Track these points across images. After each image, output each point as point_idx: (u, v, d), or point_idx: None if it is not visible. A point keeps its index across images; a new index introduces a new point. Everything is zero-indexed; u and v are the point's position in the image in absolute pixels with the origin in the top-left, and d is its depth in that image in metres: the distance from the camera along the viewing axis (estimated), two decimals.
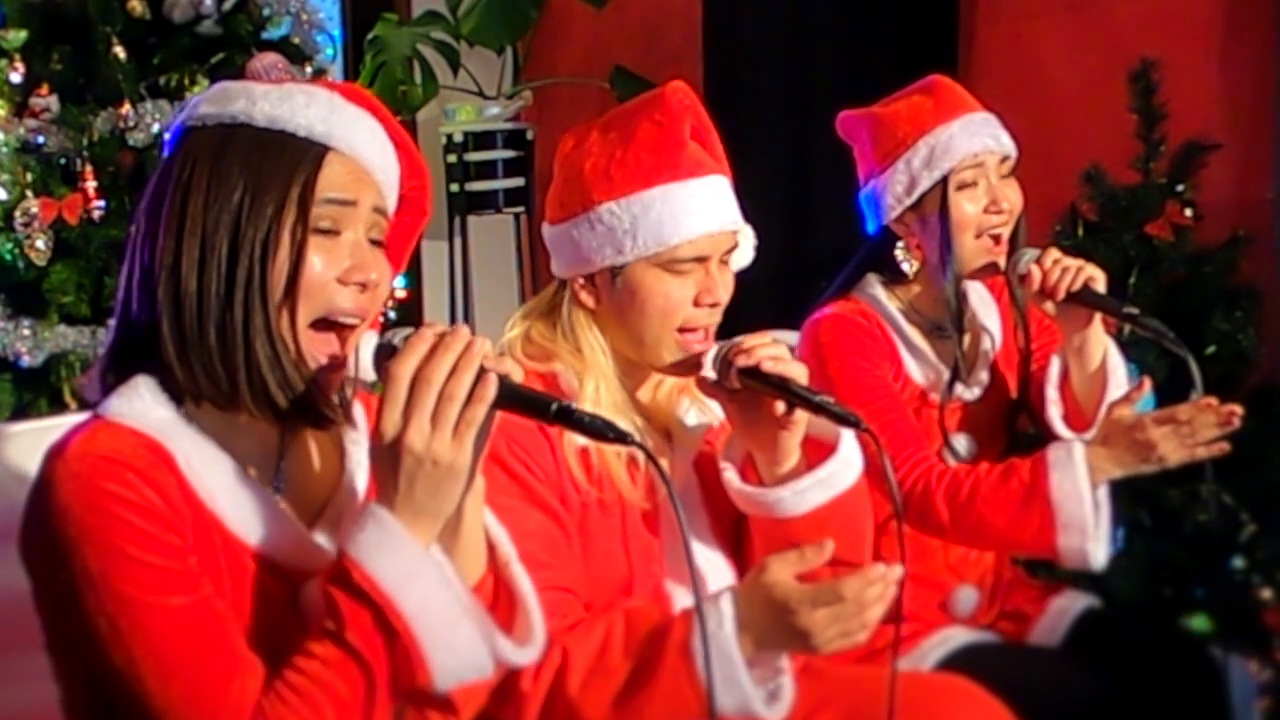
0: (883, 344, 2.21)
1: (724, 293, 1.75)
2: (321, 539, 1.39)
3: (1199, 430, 2.04)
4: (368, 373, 1.41)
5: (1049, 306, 2.15)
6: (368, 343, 1.38)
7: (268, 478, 1.39)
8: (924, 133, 2.18)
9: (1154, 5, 3.42)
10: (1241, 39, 3.34)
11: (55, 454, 1.28)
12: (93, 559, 1.23)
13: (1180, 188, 2.96)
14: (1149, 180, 2.98)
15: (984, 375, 2.27)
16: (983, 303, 2.33)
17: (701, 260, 1.73)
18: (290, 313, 1.31)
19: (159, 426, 1.31)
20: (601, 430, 1.30)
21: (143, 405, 1.32)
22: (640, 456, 1.69)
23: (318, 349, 1.34)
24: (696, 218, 1.72)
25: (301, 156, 1.33)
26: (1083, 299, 2.13)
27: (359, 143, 1.36)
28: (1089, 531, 2.05)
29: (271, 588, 1.34)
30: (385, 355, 1.35)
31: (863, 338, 2.19)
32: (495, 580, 1.40)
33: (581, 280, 1.76)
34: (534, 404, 1.33)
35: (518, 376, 1.32)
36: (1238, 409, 2.06)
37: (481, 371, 1.25)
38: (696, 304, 1.73)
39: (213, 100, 1.36)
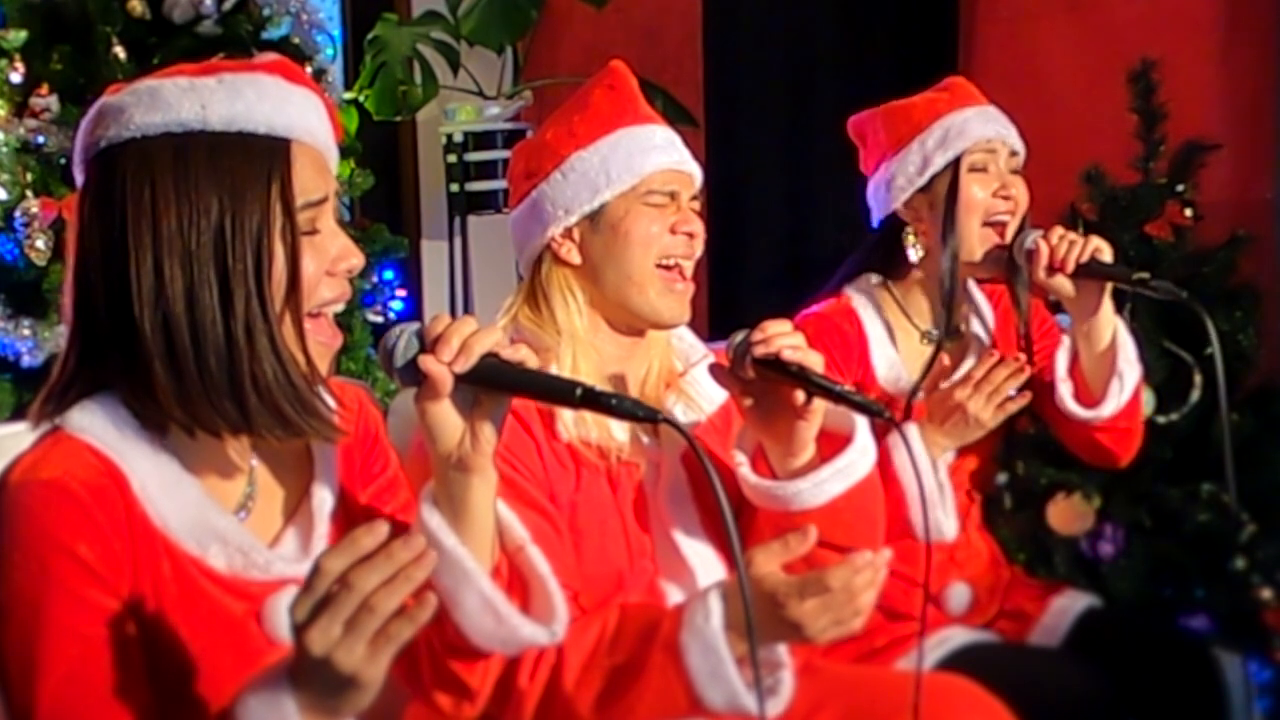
0: (853, 348, 2.22)
1: (697, 226, 1.81)
2: (287, 550, 1.38)
3: (1000, 386, 2.12)
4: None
5: (1061, 282, 2.15)
6: None
7: (236, 490, 1.38)
8: (939, 117, 2.22)
9: (1154, 5, 3.42)
10: (1241, 39, 3.34)
11: (4, 471, 1.28)
12: (16, 584, 1.24)
13: (1180, 188, 2.95)
14: (1149, 180, 2.98)
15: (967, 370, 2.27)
16: (980, 308, 2.34)
17: (673, 195, 1.80)
18: (294, 317, 1.29)
19: (119, 445, 1.29)
20: (630, 410, 1.31)
21: (105, 421, 1.29)
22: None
23: (318, 336, 1.33)
24: (662, 152, 1.81)
25: (271, 158, 1.29)
26: (1092, 270, 2.14)
27: (312, 126, 1.34)
28: (934, 501, 2.10)
29: (230, 608, 1.33)
30: (387, 359, 1.34)
31: (830, 342, 2.19)
32: (509, 565, 1.41)
33: (559, 238, 1.80)
34: (557, 390, 1.34)
35: (534, 364, 1.33)
36: (1022, 356, 2.15)
37: (423, 589, 1.12)
38: (673, 232, 1.79)
39: (146, 107, 1.29)
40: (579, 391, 1.30)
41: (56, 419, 1.31)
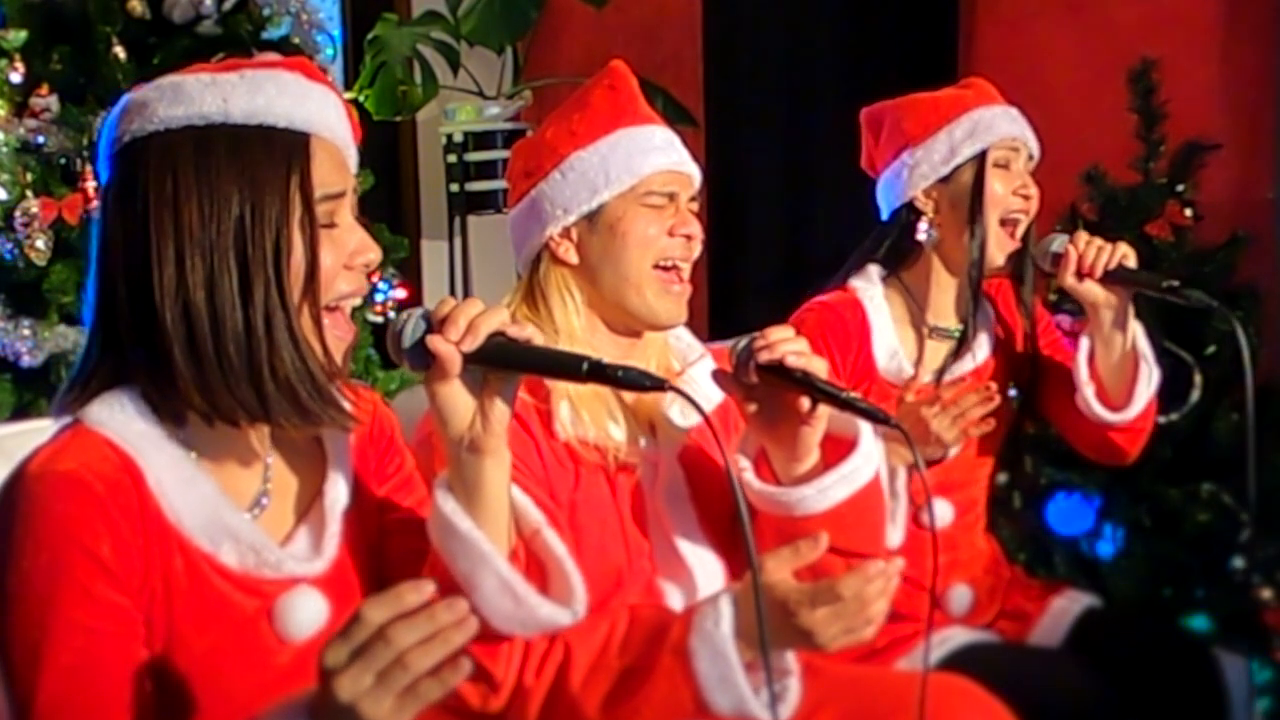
0: (854, 337, 2.23)
1: (695, 228, 1.82)
2: (299, 549, 1.38)
3: (967, 410, 2.12)
4: None
5: (1089, 287, 2.16)
6: None
7: (252, 487, 1.38)
8: (967, 110, 2.24)
9: (1154, 5, 3.42)
10: (1241, 39, 3.34)
11: (24, 461, 1.29)
12: (27, 572, 1.24)
13: (1180, 188, 2.96)
14: (1149, 180, 2.98)
15: (966, 366, 2.28)
16: (982, 305, 2.33)
17: (672, 197, 1.81)
18: (312, 309, 1.31)
19: (137, 440, 1.30)
20: (637, 380, 1.32)
21: (124, 416, 1.30)
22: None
23: (335, 330, 1.34)
24: (661, 153, 1.81)
25: (290, 150, 1.31)
26: (1120, 276, 2.15)
27: (332, 123, 1.36)
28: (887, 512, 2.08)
29: (241, 605, 1.34)
30: (395, 342, 1.35)
31: (830, 331, 2.20)
32: (526, 549, 1.42)
33: (557, 237, 1.80)
34: (564, 365, 1.35)
35: (540, 341, 1.34)
36: (993, 385, 2.15)
37: (458, 654, 1.11)
38: (671, 234, 1.79)
39: (169, 101, 1.31)
40: (586, 365, 1.32)
41: (77, 411, 1.32)
